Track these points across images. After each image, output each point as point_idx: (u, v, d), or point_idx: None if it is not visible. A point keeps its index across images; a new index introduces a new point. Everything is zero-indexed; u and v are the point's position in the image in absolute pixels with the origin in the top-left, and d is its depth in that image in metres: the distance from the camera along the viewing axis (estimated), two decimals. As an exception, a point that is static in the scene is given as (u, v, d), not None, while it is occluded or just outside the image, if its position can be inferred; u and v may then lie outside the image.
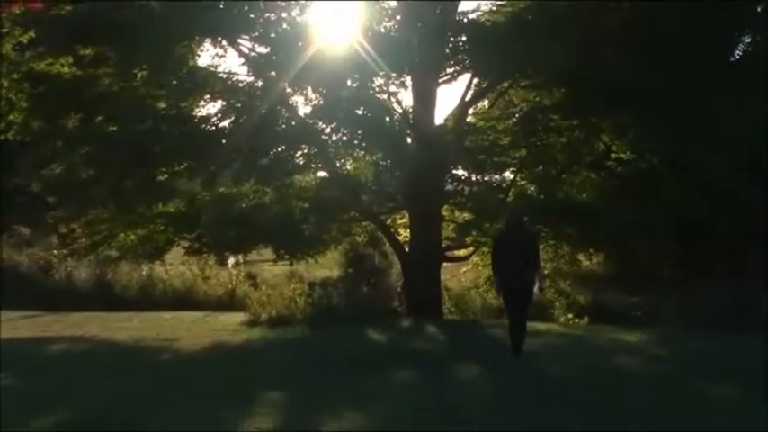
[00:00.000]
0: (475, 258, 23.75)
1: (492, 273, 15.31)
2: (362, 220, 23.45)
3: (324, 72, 18.85)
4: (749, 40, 24.59)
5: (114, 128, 19.83)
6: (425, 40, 19.77)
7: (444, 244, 22.78)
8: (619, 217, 19.63)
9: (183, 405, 10.50)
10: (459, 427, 9.54)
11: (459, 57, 21.10)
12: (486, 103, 24.91)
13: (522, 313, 14.01)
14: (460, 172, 22.61)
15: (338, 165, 21.94)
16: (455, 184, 22.48)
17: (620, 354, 15.20)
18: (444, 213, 22.58)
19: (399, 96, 21.48)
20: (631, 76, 18.16)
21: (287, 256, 21.69)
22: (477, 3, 77.76)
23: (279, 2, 19.55)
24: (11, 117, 19.47)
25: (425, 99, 21.40)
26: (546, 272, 27.38)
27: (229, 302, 24.30)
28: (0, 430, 9.13)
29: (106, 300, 24.12)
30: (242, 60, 20.67)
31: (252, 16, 19.34)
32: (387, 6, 20.98)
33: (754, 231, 21.24)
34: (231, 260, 27.62)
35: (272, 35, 19.43)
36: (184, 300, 24.83)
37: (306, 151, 20.76)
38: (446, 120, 23.07)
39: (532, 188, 22.76)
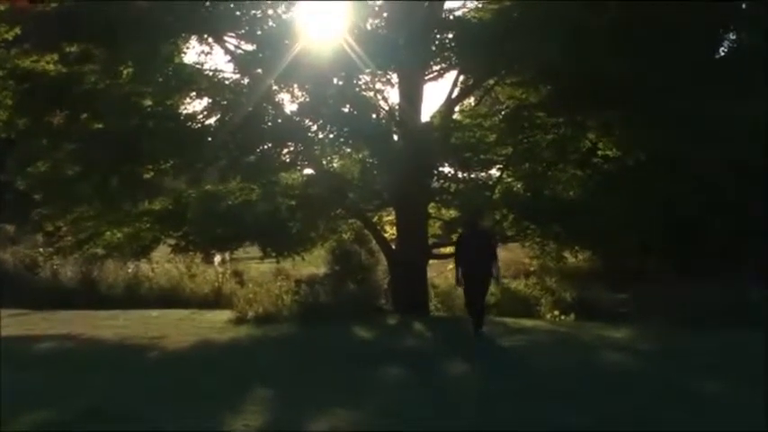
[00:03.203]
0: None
1: (455, 266, 17.18)
2: (349, 218, 23.46)
3: (310, 69, 18.87)
4: (734, 36, 24.68)
5: (100, 125, 19.86)
6: (412, 37, 19.77)
7: (431, 241, 22.80)
8: (605, 214, 19.68)
9: (171, 403, 10.49)
10: (448, 423, 9.55)
11: (446, 54, 21.10)
12: (472, 100, 24.96)
13: (481, 299, 16.61)
14: (447, 169, 22.66)
15: (325, 162, 21.96)
16: (441, 181, 22.50)
17: (606, 350, 15.24)
18: (431, 211, 22.63)
19: (386, 94, 21.58)
20: (617, 73, 18.21)
21: (273, 254, 21.77)
22: (463, 0, 77.66)
23: (265, -1, 19.57)
24: (-4, 114, 19.45)
25: (412, 96, 21.43)
26: (533, 268, 27.57)
27: (216, 300, 24.19)
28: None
29: (92, 298, 23.96)
30: (228, 58, 20.74)
31: (238, 13, 19.34)
32: (373, 4, 21.00)
33: (743, 227, 21.31)
34: (217, 258, 27.61)
35: (259, 32, 19.45)
36: (171, 298, 24.69)
37: (292, 149, 20.79)
38: (432, 117, 23.06)
39: (519, 185, 22.80)
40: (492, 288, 23.62)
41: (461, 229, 18.62)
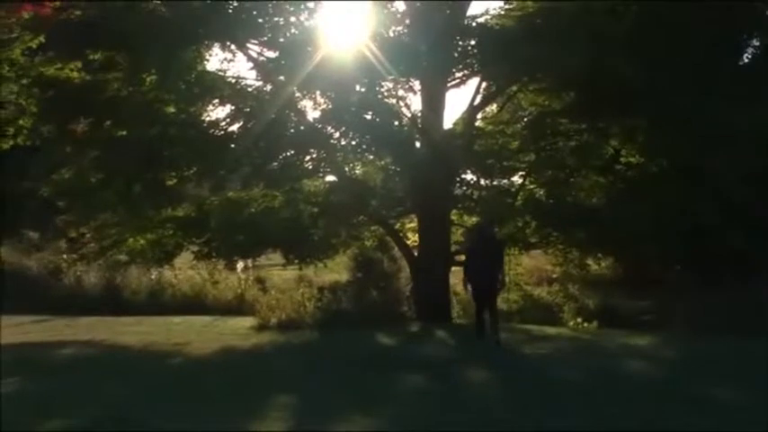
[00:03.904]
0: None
1: (464, 273, 17.21)
2: (371, 225, 23.44)
3: (332, 76, 18.87)
4: (758, 42, 24.51)
5: (123, 132, 19.89)
6: (434, 44, 19.75)
7: (453, 248, 22.74)
8: (628, 221, 19.59)
9: (194, 409, 10.50)
10: (467, 430, 9.52)
11: (468, 61, 21.07)
12: (494, 107, 24.89)
13: (491, 306, 16.65)
14: (469, 176, 22.68)
15: (347, 169, 21.98)
16: (464, 188, 22.52)
17: (629, 358, 15.15)
18: (453, 218, 22.57)
19: (408, 101, 21.39)
20: (641, 79, 18.13)
21: (296, 261, 21.77)
22: (485, 6, 77.56)
23: (287, 6, 19.57)
24: (20, 122, 19.54)
25: (434, 103, 21.38)
26: (556, 276, 27.52)
27: (238, 307, 24.27)
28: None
29: (115, 304, 24.14)
30: (251, 65, 20.77)
31: (260, 21, 19.37)
32: (395, 11, 20.98)
33: (761, 235, 21.14)
34: (240, 265, 27.62)
35: (281, 39, 19.47)
36: (193, 304, 24.82)
37: (314, 156, 20.82)
38: (455, 124, 23.06)
39: (541, 192, 22.75)
40: (515, 296, 23.77)
41: (472, 236, 18.81)
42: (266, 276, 28.95)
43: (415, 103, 21.85)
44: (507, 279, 21.98)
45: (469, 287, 16.81)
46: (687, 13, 18.67)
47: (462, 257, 18.54)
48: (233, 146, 20.28)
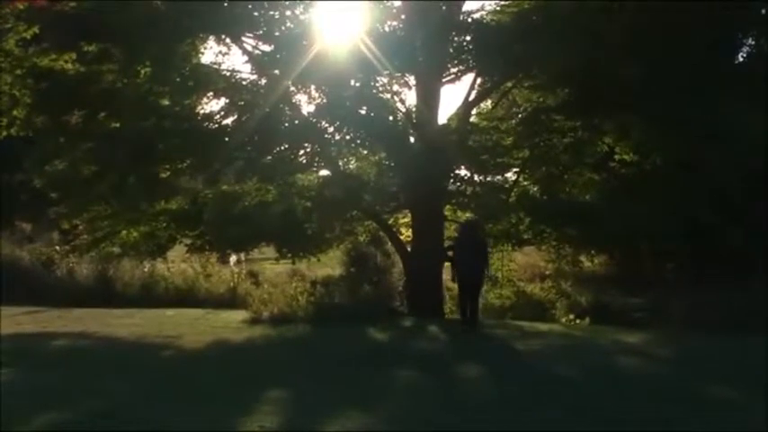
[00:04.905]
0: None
1: (452, 267, 18.17)
2: (365, 220, 23.45)
3: (327, 71, 18.88)
4: (753, 42, 24.50)
5: (117, 125, 19.86)
6: (429, 39, 19.79)
7: (446, 244, 22.74)
8: (621, 218, 19.61)
9: (186, 403, 10.48)
10: (462, 426, 9.52)
11: (463, 57, 21.10)
12: (489, 103, 24.95)
13: (474, 298, 17.53)
14: (463, 172, 22.68)
15: (341, 164, 22.02)
16: (458, 184, 22.51)
17: (621, 355, 15.16)
18: (447, 213, 22.58)
19: (403, 96, 21.46)
20: (635, 77, 18.15)
21: (289, 255, 21.75)
22: (481, 3, 77.58)
23: (283, 0, 19.54)
24: (14, 113, 19.50)
25: (429, 99, 21.39)
26: (549, 272, 27.56)
27: (231, 300, 24.21)
28: (0, 429, 9.11)
29: (108, 296, 24.03)
30: (245, 58, 20.75)
31: (256, 14, 19.35)
32: (391, 6, 20.98)
33: (759, 232, 21.16)
34: (233, 258, 27.59)
35: (276, 33, 19.46)
36: (186, 297, 24.72)
37: (309, 150, 20.85)
38: (449, 119, 23.06)
39: (535, 188, 22.80)
40: (507, 292, 23.81)
41: (464, 231, 18.63)
42: (259, 270, 28.94)
43: (410, 98, 22.00)
44: (499, 275, 22.99)
45: (458, 280, 17.45)
46: (682, 11, 18.66)
47: (451, 253, 18.56)
48: (227, 139, 20.30)
